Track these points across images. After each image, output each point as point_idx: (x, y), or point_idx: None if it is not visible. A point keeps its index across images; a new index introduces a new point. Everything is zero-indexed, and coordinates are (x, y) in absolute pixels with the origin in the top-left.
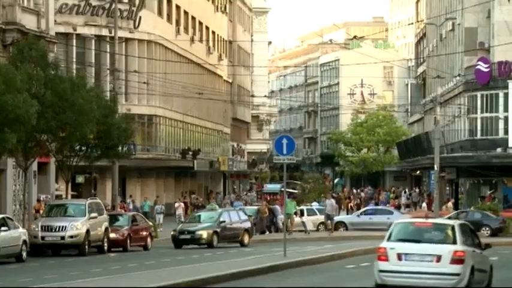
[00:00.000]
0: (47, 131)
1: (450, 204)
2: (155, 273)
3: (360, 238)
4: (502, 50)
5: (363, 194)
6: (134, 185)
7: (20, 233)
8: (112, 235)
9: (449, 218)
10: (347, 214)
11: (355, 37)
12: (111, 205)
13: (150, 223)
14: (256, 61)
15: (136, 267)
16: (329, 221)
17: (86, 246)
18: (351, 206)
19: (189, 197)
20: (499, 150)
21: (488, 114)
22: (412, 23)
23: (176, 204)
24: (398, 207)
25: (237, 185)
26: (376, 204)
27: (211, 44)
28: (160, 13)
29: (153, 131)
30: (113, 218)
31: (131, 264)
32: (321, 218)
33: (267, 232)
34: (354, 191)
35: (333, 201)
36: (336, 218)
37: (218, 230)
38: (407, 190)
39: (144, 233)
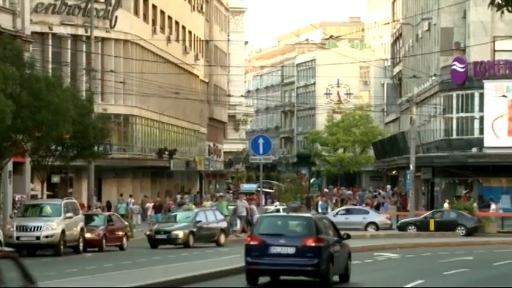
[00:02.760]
0: (22, 130)
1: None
2: (131, 273)
3: None
4: (478, 50)
5: (348, 193)
6: (110, 185)
7: None
8: (88, 235)
9: (424, 217)
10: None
11: (331, 37)
12: (87, 205)
13: (126, 223)
14: (232, 61)
15: (112, 268)
16: (239, 222)
17: (62, 247)
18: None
19: (163, 197)
20: (474, 150)
21: (463, 114)
22: (388, 23)
23: (147, 205)
24: (377, 207)
25: (213, 184)
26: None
27: (187, 43)
28: (136, 13)
29: (130, 130)
30: (89, 218)
31: (107, 264)
32: None
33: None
34: (326, 190)
35: (245, 202)
36: None
37: (194, 229)
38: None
39: (120, 233)
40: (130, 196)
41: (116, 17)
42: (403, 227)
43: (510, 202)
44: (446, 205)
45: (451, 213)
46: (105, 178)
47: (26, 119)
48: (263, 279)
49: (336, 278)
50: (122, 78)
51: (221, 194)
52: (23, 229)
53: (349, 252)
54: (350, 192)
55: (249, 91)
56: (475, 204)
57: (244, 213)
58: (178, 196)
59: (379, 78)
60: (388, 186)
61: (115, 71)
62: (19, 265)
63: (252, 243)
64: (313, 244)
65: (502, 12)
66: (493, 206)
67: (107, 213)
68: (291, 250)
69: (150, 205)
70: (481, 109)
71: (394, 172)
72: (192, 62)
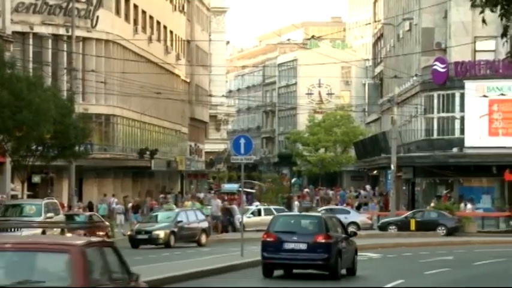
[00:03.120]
0: (3, 130)
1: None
2: None
3: None
4: (459, 51)
5: (331, 193)
6: (91, 185)
7: None
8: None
9: (405, 217)
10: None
11: (313, 37)
12: (68, 205)
13: (107, 223)
14: (214, 61)
15: None
16: (215, 222)
17: None
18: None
19: (144, 197)
20: (455, 150)
21: (444, 114)
22: (369, 23)
23: (129, 205)
24: (358, 207)
25: (195, 184)
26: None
27: (169, 43)
28: (118, 12)
29: (111, 130)
30: (70, 218)
31: None
32: None
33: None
34: (307, 190)
35: (219, 201)
36: None
37: (175, 229)
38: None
39: (101, 233)
40: (114, 196)
41: (97, 17)
42: (384, 227)
43: (491, 202)
44: (432, 205)
45: (432, 213)
46: (86, 178)
47: (6, 118)
48: (277, 272)
49: (343, 271)
50: (103, 78)
51: (200, 194)
52: (3, 230)
53: (356, 248)
54: (332, 192)
55: (230, 91)
56: (462, 204)
57: (218, 213)
58: (161, 196)
59: (361, 78)
60: (368, 186)
61: (96, 70)
62: (117, 253)
63: (268, 239)
64: (323, 240)
65: (483, 12)
66: (468, 205)
67: (87, 214)
68: (303, 246)
69: (131, 205)
70: (462, 109)
71: (375, 172)
72: (174, 61)
